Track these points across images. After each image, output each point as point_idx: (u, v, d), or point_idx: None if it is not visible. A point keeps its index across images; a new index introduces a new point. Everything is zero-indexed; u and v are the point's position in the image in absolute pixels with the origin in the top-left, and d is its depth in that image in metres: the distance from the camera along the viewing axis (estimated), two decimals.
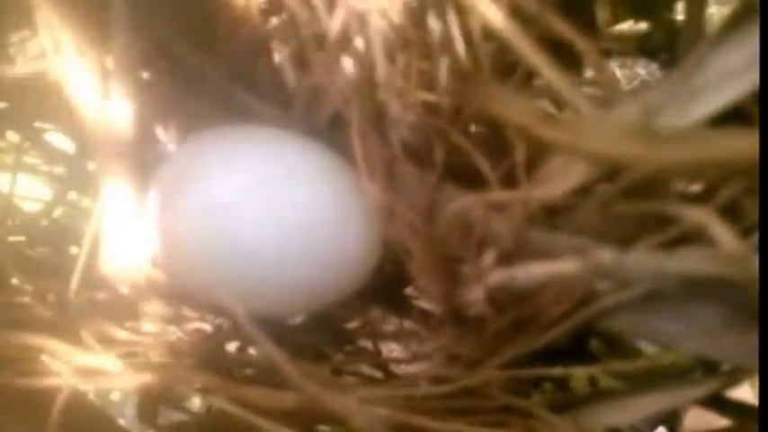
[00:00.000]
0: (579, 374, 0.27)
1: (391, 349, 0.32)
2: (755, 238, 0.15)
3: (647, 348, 0.27)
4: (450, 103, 0.19)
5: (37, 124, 0.28)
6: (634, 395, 0.20)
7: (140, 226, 0.21)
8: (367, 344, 0.27)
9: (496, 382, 0.19)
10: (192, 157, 0.21)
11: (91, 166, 0.28)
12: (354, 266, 0.21)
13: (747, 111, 0.16)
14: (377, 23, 0.18)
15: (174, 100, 0.22)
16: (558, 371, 0.20)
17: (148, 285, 0.22)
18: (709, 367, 0.20)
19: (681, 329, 0.17)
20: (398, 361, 0.26)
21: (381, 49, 0.18)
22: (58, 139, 0.29)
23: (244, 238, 0.20)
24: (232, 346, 0.25)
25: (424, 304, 0.26)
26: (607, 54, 0.28)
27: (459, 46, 0.18)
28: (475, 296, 0.18)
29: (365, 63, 0.19)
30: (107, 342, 0.21)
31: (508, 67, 0.18)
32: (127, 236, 0.21)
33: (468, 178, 0.19)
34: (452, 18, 0.18)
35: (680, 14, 0.28)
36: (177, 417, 0.27)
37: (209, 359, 0.23)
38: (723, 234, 0.14)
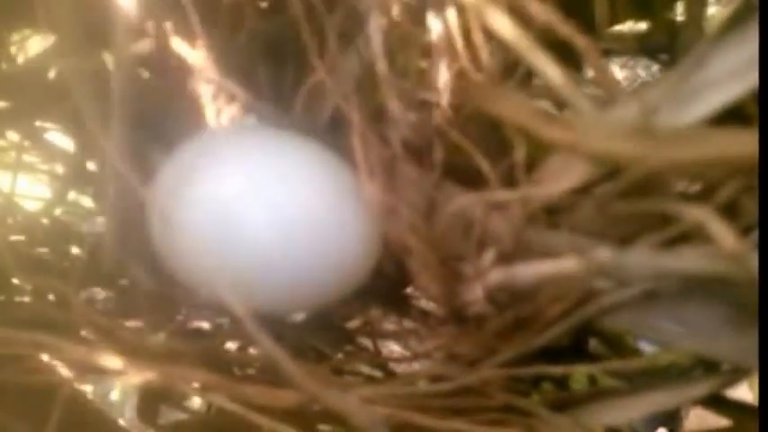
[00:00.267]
0: (579, 374, 0.27)
1: (391, 350, 0.33)
2: (755, 236, 0.15)
3: (647, 348, 0.27)
4: (449, 103, 0.19)
5: (37, 123, 0.29)
6: (633, 394, 0.20)
7: (142, 224, 0.21)
8: (367, 343, 0.27)
9: (496, 381, 0.19)
10: (193, 156, 0.21)
11: (91, 165, 0.28)
12: (354, 265, 0.21)
13: (747, 110, 0.16)
14: (377, 22, 0.18)
15: (174, 99, 0.22)
16: (557, 370, 0.20)
17: (149, 283, 0.22)
18: (708, 366, 0.20)
19: (680, 329, 0.17)
20: (398, 360, 0.26)
21: (381, 48, 0.18)
22: (59, 139, 0.30)
23: (244, 236, 0.20)
24: (232, 346, 0.25)
25: (424, 303, 0.26)
26: (607, 54, 0.28)
27: (459, 45, 0.18)
28: (475, 295, 0.18)
29: (365, 62, 0.19)
30: (108, 340, 0.21)
31: (508, 67, 0.18)
32: (128, 234, 0.21)
33: (468, 177, 0.19)
34: (452, 17, 0.18)
35: (680, 15, 0.28)
36: (177, 416, 0.27)
37: (210, 358, 0.23)
38: (722, 232, 0.14)
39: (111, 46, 0.20)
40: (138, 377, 0.20)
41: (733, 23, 0.16)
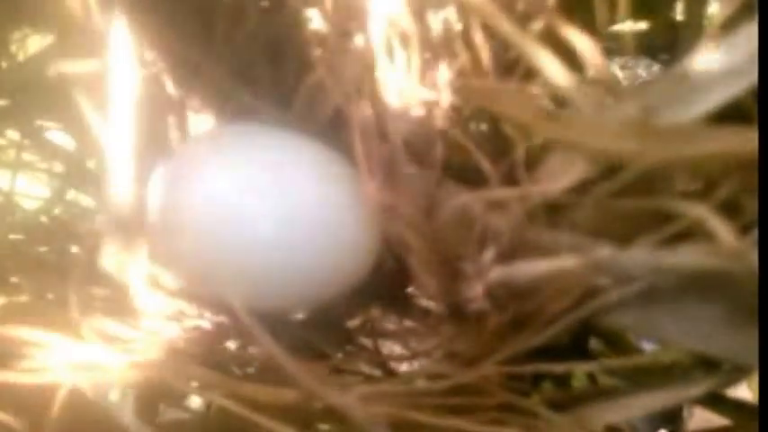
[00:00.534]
0: (579, 373, 0.27)
1: (391, 349, 0.32)
2: (755, 234, 0.15)
3: (647, 347, 0.27)
4: (450, 101, 0.19)
5: (37, 122, 0.29)
6: (633, 393, 0.20)
7: (141, 222, 0.21)
8: (367, 342, 0.27)
9: (496, 380, 0.19)
10: (193, 154, 0.21)
11: (91, 163, 0.28)
12: (354, 263, 0.21)
13: (747, 107, 0.16)
14: (377, 21, 0.18)
15: (175, 96, 0.22)
16: (557, 368, 0.20)
17: (149, 282, 0.22)
18: (708, 365, 0.20)
19: (680, 327, 0.17)
20: (398, 359, 0.26)
21: (382, 46, 0.18)
22: (59, 137, 0.29)
23: (244, 235, 0.20)
24: (232, 344, 0.25)
25: (424, 302, 0.26)
26: (607, 54, 0.28)
27: (460, 43, 0.18)
28: (474, 293, 0.18)
29: (366, 61, 0.19)
30: (107, 339, 0.21)
31: (508, 65, 0.18)
32: (127, 232, 0.21)
33: (469, 176, 0.19)
34: (453, 15, 0.18)
35: (680, 16, 0.28)
36: (177, 415, 0.27)
37: (210, 356, 0.23)
38: (722, 230, 0.14)
39: (111, 43, 0.20)
40: (137, 376, 0.20)
41: (733, 21, 0.16)
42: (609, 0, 0.24)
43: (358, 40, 0.19)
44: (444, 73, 0.18)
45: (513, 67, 0.18)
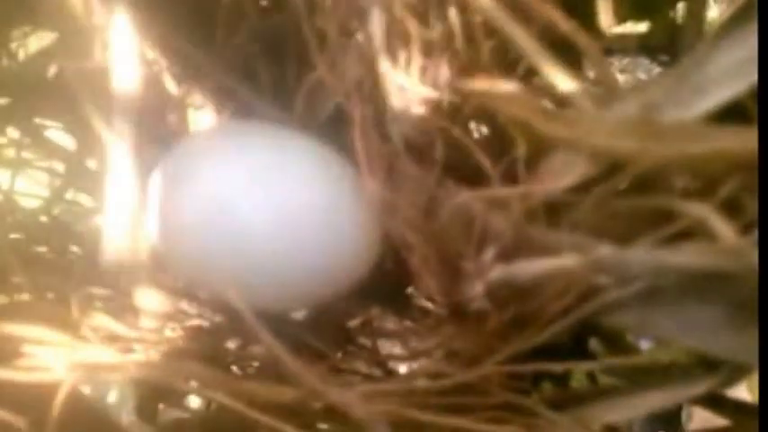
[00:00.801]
0: (579, 372, 0.27)
1: (391, 349, 0.32)
2: (755, 233, 0.15)
3: (644, 345, 0.27)
4: (451, 100, 0.19)
5: (38, 121, 0.29)
6: (633, 393, 0.20)
7: (141, 221, 0.21)
8: (366, 342, 0.27)
9: (496, 379, 0.19)
10: (193, 152, 0.21)
11: (91, 162, 0.28)
12: (354, 262, 0.21)
13: (747, 107, 0.16)
14: (378, 19, 0.18)
15: (175, 95, 0.22)
16: (557, 367, 0.20)
17: (149, 280, 0.22)
18: (708, 365, 0.20)
19: (680, 326, 0.17)
20: (398, 359, 0.26)
21: (382, 44, 0.18)
22: (59, 136, 0.29)
23: (244, 232, 0.20)
24: (232, 344, 0.25)
25: (424, 302, 0.26)
26: (608, 54, 0.28)
27: (461, 42, 0.18)
28: (475, 292, 0.18)
29: (366, 59, 0.19)
30: (107, 338, 0.21)
31: (509, 64, 0.18)
32: (127, 231, 0.21)
33: (469, 175, 0.19)
34: (454, 14, 0.18)
35: (680, 16, 0.28)
36: (177, 414, 0.27)
37: (209, 355, 0.23)
38: (723, 229, 0.14)
39: (111, 42, 0.20)
40: (137, 375, 0.20)
41: (732, 22, 0.16)
42: (609, 0, 0.24)
43: (358, 39, 0.19)
44: (445, 72, 0.18)
45: (513, 66, 0.18)
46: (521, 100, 0.17)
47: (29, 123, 0.28)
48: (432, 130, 0.19)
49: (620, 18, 0.27)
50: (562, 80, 0.16)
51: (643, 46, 0.28)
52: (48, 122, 0.29)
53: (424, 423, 0.18)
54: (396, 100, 0.19)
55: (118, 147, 0.21)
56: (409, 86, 0.19)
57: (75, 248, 0.28)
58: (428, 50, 0.18)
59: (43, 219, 0.29)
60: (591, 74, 0.19)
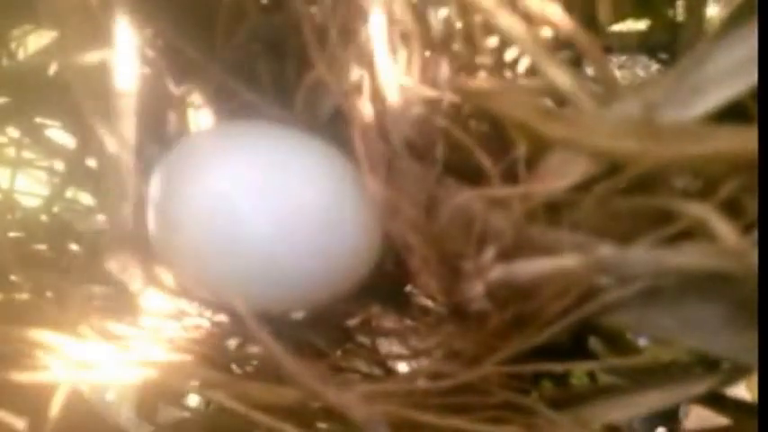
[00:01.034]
0: (579, 372, 0.27)
1: (391, 348, 0.32)
2: (755, 234, 0.15)
3: (642, 343, 0.27)
4: (451, 99, 0.19)
5: (37, 120, 0.28)
6: (633, 392, 0.20)
7: (140, 220, 0.21)
8: (366, 341, 0.27)
9: (496, 379, 0.19)
10: (193, 151, 0.21)
11: (91, 161, 0.28)
12: (355, 261, 0.21)
13: (747, 107, 0.16)
14: (379, 19, 0.18)
15: (176, 94, 0.22)
16: (557, 367, 0.20)
17: (148, 280, 0.22)
18: (708, 364, 0.20)
19: (681, 326, 0.17)
20: (398, 358, 0.26)
21: (383, 44, 0.18)
22: (59, 135, 0.29)
23: (244, 232, 0.20)
24: (232, 343, 0.25)
25: (424, 301, 0.26)
26: (608, 52, 0.28)
27: (461, 42, 0.18)
28: (475, 292, 0.18)
29: (366, 58, 0.19)
30: (107, 337, 0.21)
31: (509, 63, 0.18)
32: (127, 230, 0.21)
33: (469, 174, 0.19)
34: (454, 14, 0.18)
35: (680, 15, 0.28)
36: (176, 414, 0.27)
37: (209, 355, 0.23)
38: (723, 228, 0.14)
39: (111, 41, 0.20)
40: (136, 375, 0.20)
41: (732, 22, 0.16)
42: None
43: (359, 38, 0.19)
44: (445, 71, 0.18)
45: (513, 65, 0.18)
46: (521, 99, 0.17)
47: (29, 122, 0.28)
48: (432, 129, 0.19)
49: (620, 16, 0.27)
50: (562, 79, 0.16)
51: (643, 44, 0.28)
52: (48, 121, 0.29)
53: (423, 423, 0.18)
54: (396, 99, 0.19)
55: (118, 146, 0.21)
56: (409, 86, 0.19)
57: (74, 247, 0.28)
58: (428, 50, 0.18)
59: (43, 218, 0.29)
60: (591, 73, 0.19)
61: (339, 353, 0.26)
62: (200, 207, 0.20)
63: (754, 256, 0.14)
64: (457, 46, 0.18)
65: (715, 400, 0.22)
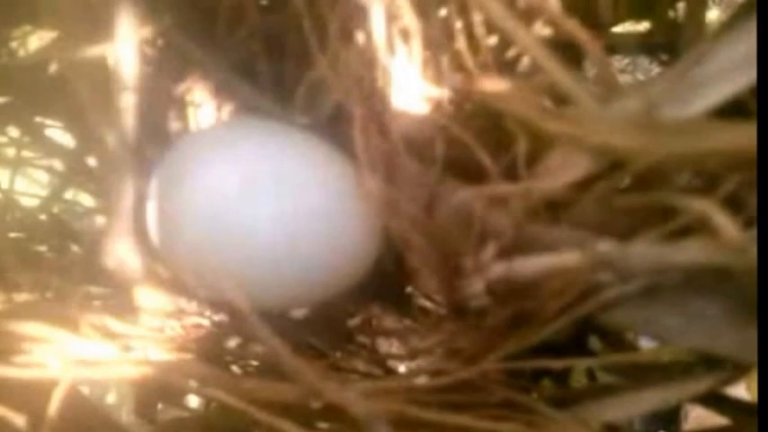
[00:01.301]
0: (579, 371, 0.27)
1: (391, 348, 0.32)
2: (755, 230, 0.15)
3: (645, 344, 0.27)
4: (451, 97, 0.19)
5: (38, 119, 0.29)
6: (633, 391, 0.20)
7: (141, 219, 0.21)
8: (366, 341, 0.27)
9: (496, 377, 0.19)
10: (193, 149, 0.21)
11: (91, 161, 0.28)
12: (355, 259, 0.21)
13: (747, 104, 0.16)
14: (379, 16, 0.18)
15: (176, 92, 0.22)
16: (557, 365, 0.20)
17: (148, 279, 0.22)
18: (709, 363, 0.20)
19: (681, 324, 0.17)
20: (397, 357, 0.26)
21: (383, 42, 0.18)
22: (58, 135, 0.29)
23: (243, 230, 0.20)
24: (232, 342, 0.25)
25: (424, 301, 0.26)
26: (609, 53, 0.28)
27: (462, 39, 0.18)
28: (475, 289, 0.18)
29: (367, 56, 0.19)
30: (106, 336, 0.21)
31: (510, 61, 0.18)
32: (127, 229, 0.21)
33: (469, 172, 0.19)
34: (455, 11, 0.18)
35: (680, 16, 0.28)
36: (176, 414, 0.27)
37: (209, 354, 0.23)
38: (725, 224, 0.14)
39: (112, 41, 0.20)
40: (136, 373, 0.20)
41: (733, 20, 0.16)
42: None
43: (359, 36, 0.19)
44: (445, 69, 0.18)
45: (514, 63, 0.18)
46: (521, 97, 0.17)
47: (29, 122, 0.28)
48: (432, 127, 0.19)
49: (620, 17, 0.27)
50: (563, 78, 0.16)
51: (643, 45, 0.28)
52: (48, 121, 0.29)
53: (424, 421, 0.18)
54: (396, 97, 0.19)
55: (118, 145, 0.21)
56: (410, 84, 0.19)
57: (74, 247, 0.28)
58: (429, 48, 0.18)
59: (43, 217, 0.29)
60: (591, 71, 0.19)
61: (339, 352, 0.26)
62: (199, 205, 0.20)
63: (754, 252, 0.14)
64: (457, 44, 0.18)
65: (715, 400, 0.21)
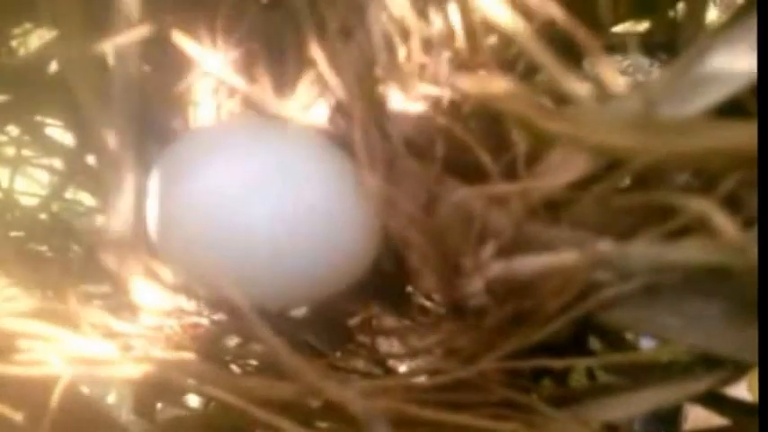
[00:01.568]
0: (578, 371, 0.27)
1: (390, 348, 0.32)
2: (756, 229, 0.15)
3: (645, 344, 0.27)
4: (451, 96, 0.19)
5: (38, 118, 0.29)
6: (633, 391, 0.20)
7: (140, 218, 0.21)
8: (366, 340, 0.27)
9: (495, 376, 0.19)
10: (192, 147, 0.21)
11: (91, 160, 0.28)
12: (354, 258, 0.21)
13: (747, 104, 0.16)
14: (378, 15, 0.18)
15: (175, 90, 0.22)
16: (557, 364, 0.20)
17: (148, 277, 0.22)
18: (709, 363, 0.20)
19: (681, 324, 0.17)
20: (397, 356, 0.26)
21: (383, 41, 0.18)
22: (58, 134, 0.29)
23: (243, 229, 0.20)
24: (231, 341, 0.25)
25: (424, 300, 0.26)
26: (608, 52, 0.28)
27: (461, 38, 0.18)
28: (474, 288, 0.18)
29: (366, 55, 0.19)
30: (106, 335, 0.21)
31: (509, 61, 0.18)
32: (127, 228, 0.21)
33: (469, 171, 0.19)
34: (454, 10, 0.18)
35: (680, 15, 0.28)
36: (175, 413, 0.27)
37: (208, 353, 0.23)
38: (724, 223, 0.14)
39: (111, 39, 0.20)
40: (136, 372, 0.20)
41: (733, 19, 0.16)
42: None
43: (359, 36, 0.19)
44: (445, 68, 0.18)
45: (514, 63, 0.18)
46: (521, 97, 0.17)
47: (29, 121, 0.28)
48: (432, 126, 0.19)
49: (620, 17, 0.27)
50: (563, 77, 0.16)
51: (643, 45, 0.28)
52: (48, 120, 0.29)
53: (423, 420, 0.18)
54: (396, 97, 0.19)
55: (118, 144, 0.21)
56: (409, 83, 0.19)
57: (74, 246, 0.28)
58: (428, 47, 0.18)
59: (43, 216, 0.29)
60: (591, 71, 0.19)
61: (339, 352, 0.26)
62: (199, 204, 0.20)
63: (754, 251, 0.14)
64: (457, 43, 0.18)
65: (715, 400, 0.21)
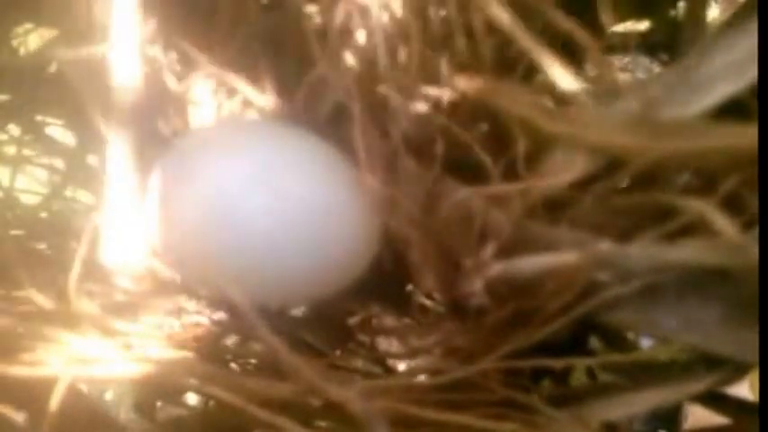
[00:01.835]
0: (579, 371, 0.26)
1: (390, 348, 0.32)
2: (756, 230, 0.15)
3: (645, 344, 0.27)
4: (451, 97, 0.19)
5: (38, 117, 0.29)
6: (633, 390, 0.20)
7: (140, 216, 0.21)
8: (366, 339, 0.27)
9: (495, 376, 0.19)
10: (193, 148, 0.21)
11: (91, 159, 0.28)
12: (354, 258, 0.21)
13: (747, 104, 0.16)
14: (379, 16, 0.18)
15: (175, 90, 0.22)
16: (557, 364, 0.20)
17: (148, 276, 0.22)
18: (709, 363, 0.20)
19: (681, 324, 0.17)
20: (397, 356, 0.26)
21: (383, 41, 0.18)
22: (59, 133, 0.30)
23: (243, 229, 0.20)
24: (231, 340, 0.25)
25: (424, 299, 0.26)
26: (609, 52, 0.28)
27: (461, 39, 0.18)
28: (474, 288, 0.18)
29: (367, 56, 0.19)
30: (106, 334, 0.21)
31: (510, 61, 0.18)
32: (127, 227, 0.21)
33: (469, 171, 0.19)
34: (454, 11, 0.18)
35: (681, 15, 0.28)
36: (175, 412, 0.27)
37: (208, 352, 0.23)
38: (724, 224, 0.14)
39: (112, 39, 0.20)
40: (136, 371, 0.20)
41: (733, 20, 0.16)
42: None
43: (359, 36, 0.19)
44: (445, 69, 0.18)
45: (514, 63, 0.18)
46: (521, 97, 0.17)
47: (29, 120, 0.28)
48: (432, 126, 0.19)
49: (621, 17, 0.27)
50: (563, 77, 0.16)
51: (643, 45, 0.28)
52: (48, 119, 0.29)
53: (423, 420, 0.18)
54: (396, 97, 0.19)
55: (118, 143, 0.21)
56: (409, 83, 0.19)
57: (75, 245, 0.28)
58: (428, 47, 0.18)
59: (43, 215, 0.29)
60: (591, 71, 0.19)
61: (338, 351, 0.26)
62: (199, 204, 0.20)
63: (754, 252, 0.14)
64: (457, 43, 0.18)
65: (715, 400, 0.21)
